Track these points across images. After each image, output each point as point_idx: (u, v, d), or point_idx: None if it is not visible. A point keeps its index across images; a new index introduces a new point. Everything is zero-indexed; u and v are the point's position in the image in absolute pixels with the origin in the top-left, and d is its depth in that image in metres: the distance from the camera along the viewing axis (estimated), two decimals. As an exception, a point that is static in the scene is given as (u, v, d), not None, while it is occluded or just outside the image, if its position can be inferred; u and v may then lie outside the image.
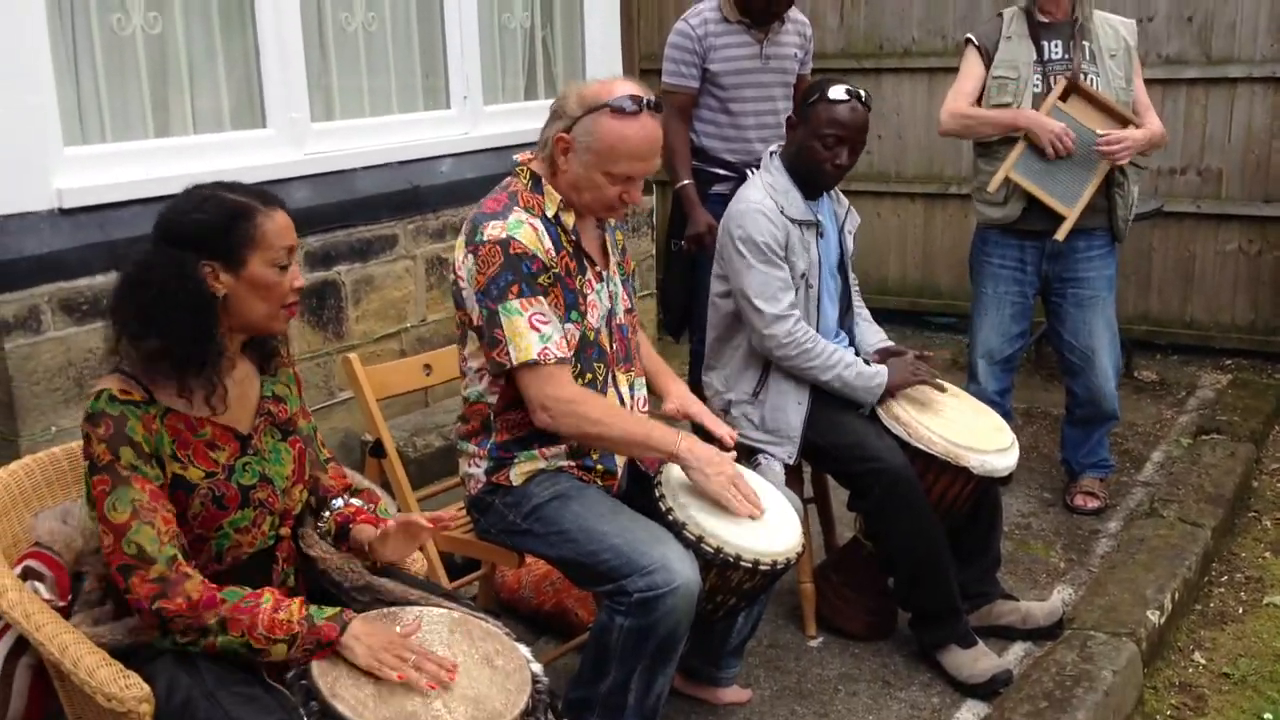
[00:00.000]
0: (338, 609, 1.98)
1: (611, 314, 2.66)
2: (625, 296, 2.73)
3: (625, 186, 2.50)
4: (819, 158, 3.09)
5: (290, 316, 2.10)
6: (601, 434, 2.49)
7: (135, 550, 1.91)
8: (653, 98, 2.49)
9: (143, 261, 1.99)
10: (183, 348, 1.96)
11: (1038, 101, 3.80)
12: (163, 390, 2.00)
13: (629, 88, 2.49)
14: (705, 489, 2.49)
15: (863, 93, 3.11)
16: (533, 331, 2.42)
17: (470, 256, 2.48)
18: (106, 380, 1.99)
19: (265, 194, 2.07)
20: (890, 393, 3.12)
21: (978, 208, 4.03)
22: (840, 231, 3.29)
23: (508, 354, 2.43)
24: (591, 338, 2.58)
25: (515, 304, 2.42)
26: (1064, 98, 3.78)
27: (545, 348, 2.43)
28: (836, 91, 3.08)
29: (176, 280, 1.96)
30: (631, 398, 2.71)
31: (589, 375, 2.58)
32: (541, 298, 2.45)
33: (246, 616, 1.90)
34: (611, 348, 2.65)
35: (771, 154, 3.23)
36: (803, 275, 3.11)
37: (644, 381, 2.78)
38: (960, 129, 3.94)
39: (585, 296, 2.57)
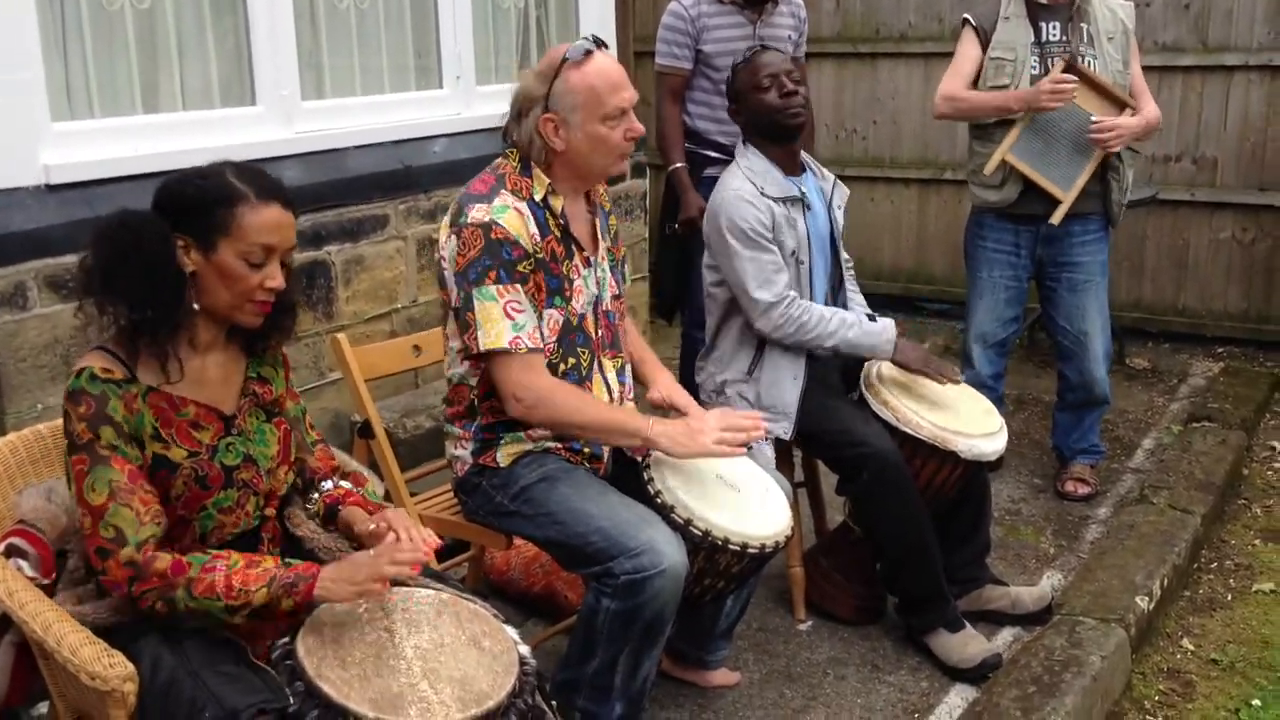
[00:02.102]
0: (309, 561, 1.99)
1: (598, 300, 2.65)
2: (614, 283, 2.72)
3: (625, 124, 2.50)
4: (768, 102, 3.10)
5: (258, 312, 2.04)
6: (575, 422, 2.49)
7: (113, 534, 1.90)
8: (596, 38, 2.54)
9: (117, 220, 1.97)
10: (135, 310, 1.94)
11: (1034, 84, 3.78)
12: (144, 368, 1.99)
13: (570, 43, 2.52)
14: (692, 456, 2.48)
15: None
16: (506, 319, 2.42)
17: (454, 238, 2.47)
18: (89, 357, 1.97)
19: (268, 187, 2.01)
20: (899, 365, 3.13)
21: (973, 191, 4.02)
22: (829, 207, 3.27)
23: (476, 339, 2.43)
24: (575, 323, 2.57)
25: (491, 289, 2.42)
26: (1062, 80, 3.76)
27: (517, 336, 2.42)
28: (745, 54, 3.21)
29: (140, 243, 1.94)
30: (620, 384, 2.70)
31: (571, 360, 2.57)
32: (519, 285, 2.44)
33: (219, 576, 1.90)
34: (597, 334, 2.64)
35: (744, 142, 3.22)
36: (793, 253, 3.10)
37: (630, 368, 2.77)
38: (954, 112, 3.93)
39: (571, 282, 2.56)
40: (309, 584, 1.91)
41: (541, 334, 2.48)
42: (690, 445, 2.46)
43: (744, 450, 2.53)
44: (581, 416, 2.48)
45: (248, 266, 1.98)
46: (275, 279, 2.01)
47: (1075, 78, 3.69)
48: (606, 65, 2.49)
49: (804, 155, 3.27)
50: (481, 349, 2.43)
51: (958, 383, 3.17)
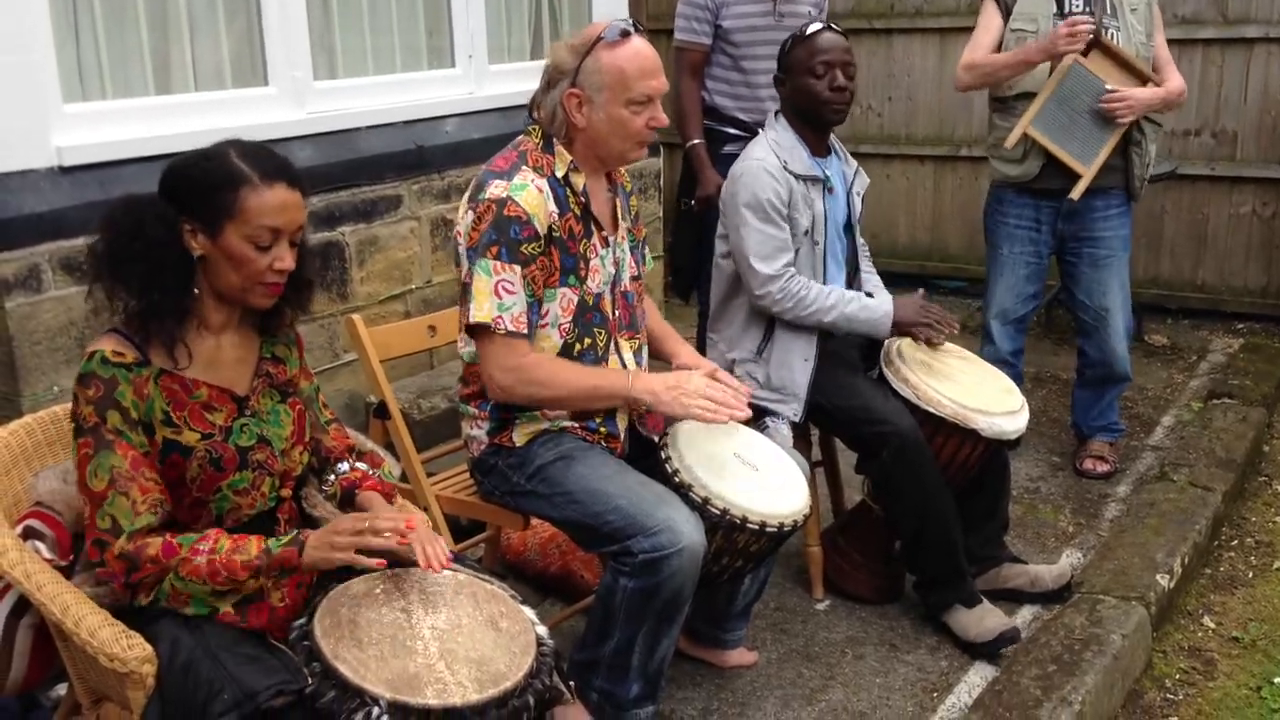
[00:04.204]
0: (294, 533, 1.97)
1: (616, 280, 2.63)
2: (633, 263, 2.70)
3: (649, 111, 2.48)
4: (816, 90, 3.07)
5: (269, 294, 2.03)
6: (555, 394, 2.47)
7: (109, 524, 1.90)
8: (636, 22, 2.51)
9: (124, 204, 1.96)
10: (141, 296, 1.93)
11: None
12: (155, 350, 1.98)
13: (609, 21, 2.49)
14: (673, 414, 2.47)
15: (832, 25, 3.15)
16: (494, 297, 2.40)
17: (470, 213, 2.47)
18: (101, 340, 1.97)
19: (272, 168, 1.98)
20: (899, 328, 3.09)
21: (994, 165, 3.98)
22: (849, 192, 3.25)
23: (468, 311, 2.43)
24: (591, 303, 2.55)
25: (490, 264, 2.41)
26: (1084, 53, 3.71)
27: (499, 316, 2.40)
28: (810, 29, 3.12)
29: (143, 227, 1.93)
30: (637, 365, 2.69)
31: (588, 340, 2.56)
32: (518, 267, 2.42)
33: (202, 560, 1.88)
34: (614, 314, 2.62)
35: (776, 114, 3.20)
36: (806, 231, 3.08)
37: (646, 349, 2.75)
38: (975, 80, 3.88)
39: (588, 261, 2.54)
40: (295, 574, 1.91)
41: (530, 320, 2.45)
42: (673, 407, 2.45)
43: (724, 420, 2.49)
44: (561, 388, 2.46)
45: (255, 249, 1.96)
46: (284, 260, 1.99)
47: (1091, 19, 3.64)
48: (641, 50, 2.46)
49: (832, 139, 3.24)
50: (470, 321, 2.43)
51: (954, 329, 3.14)
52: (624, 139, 2.49)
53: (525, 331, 2.44)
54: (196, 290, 1.99)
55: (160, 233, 1.94)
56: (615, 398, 2.49)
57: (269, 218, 1.95)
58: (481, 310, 2.41)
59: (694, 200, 4.05)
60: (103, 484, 1.90)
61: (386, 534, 1.93)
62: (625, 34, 2.45)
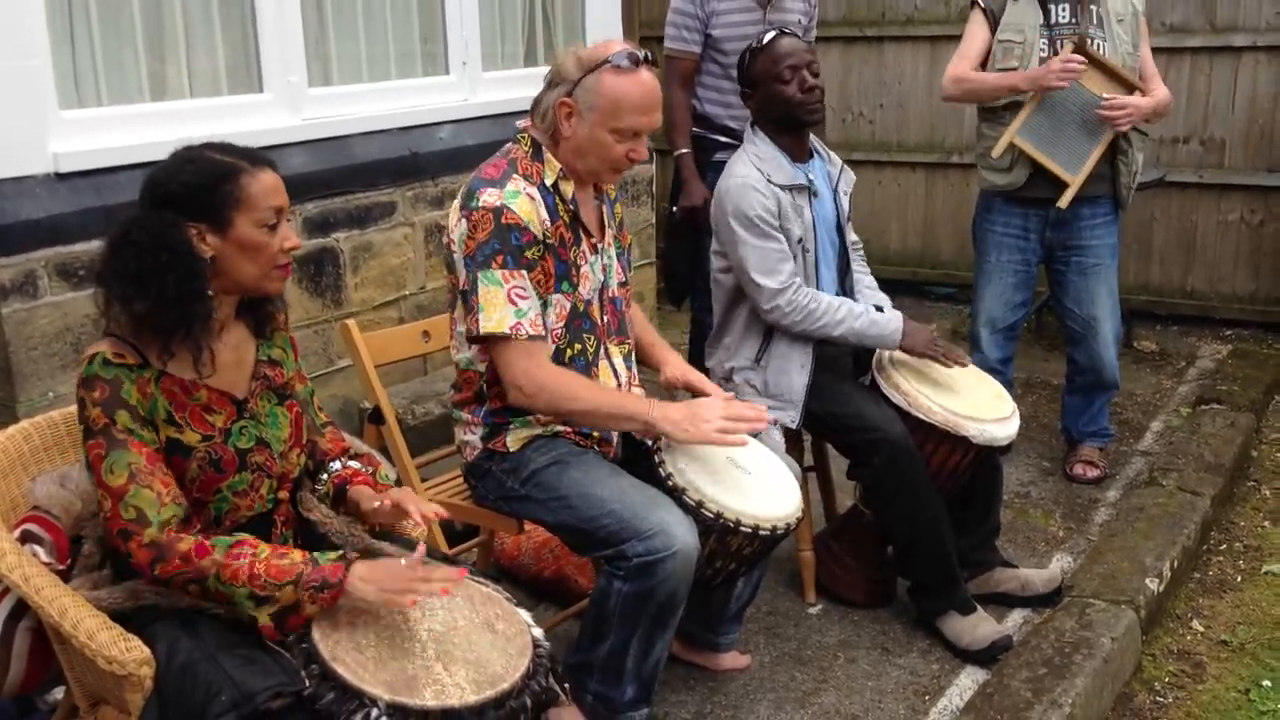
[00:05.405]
0: (340, 552, 1.99)
1: (604, 286, 2.65)
2: (620, 270, 2.72)
3: (632, 144, 2.49)
4: (787, 94, 3.08)
5: (284, 277, 2.08)
6: (576, 408, 2.48)
7: (134, 514, 1.90)
8: (648, 54, 2.51)
9: (129, 224, 1.97)
10: (167, 311, 1.94)
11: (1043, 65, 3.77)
12: (155, 354, 1.99)
13: (625, 45, 2.50)
14: (695, 442, 2.47)
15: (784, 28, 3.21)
16: (509, 305, 2.42)
17: (463, 221, 2.47)
18: (99, 344, 1.98)
19: (253, 153, 2.05)
20: (906, 351, 3.11)
21: (981, 174, 4.01)
22: (835, 192, 3.27)
23: (478, 321, 2.44)
24: (581, 309, 2.57)
25: (497, 274, 2.42)
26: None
27: (518, 323, 2.42)
28: (765, 38, 3.15)
29: (161, 243, 1.94)
30: (627, 370, 2.71)
31: (578, 346, 2.57)
32: (525, 272, 2.43)
33: (244, 563, 1.89)
34: (603, 320, 2.64)
35: (753, 126, 3.22)
36: (799, 240, 3.10)
37: (634, 354, 2.77)
38: (961, 94, 3.91)
39: (578, 268, 2.56)
40: (335, 591, 1.89)
41: (545, 322, 2.48)
42: (693, 431, 2.44)
43: (745, 441, 2.52)
44: (583, 403, 2.47)
45: (266, 232, 2.00)
46: (291, 238, 2.05)
47: (1083, 57, 3.67)
48: (645, 83, 2.47)
49: (813, 139, 3.26)
50: (481, 332, 2.44)
51: (965, 365, 3.16)
52: (600, 161, 2.51)
53: (543, 333, 2.46)
54: (211, 293, 2.01)
55: (179, 241, 1.96)
56: (635, 421, 2.49)
57: (272, 198, 2.01)
58: (492, 320, 2.42)
59: (677, 210, 4.07)
60: (122, 478, 1.91)
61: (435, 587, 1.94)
62: (636, 63, 2.46)
